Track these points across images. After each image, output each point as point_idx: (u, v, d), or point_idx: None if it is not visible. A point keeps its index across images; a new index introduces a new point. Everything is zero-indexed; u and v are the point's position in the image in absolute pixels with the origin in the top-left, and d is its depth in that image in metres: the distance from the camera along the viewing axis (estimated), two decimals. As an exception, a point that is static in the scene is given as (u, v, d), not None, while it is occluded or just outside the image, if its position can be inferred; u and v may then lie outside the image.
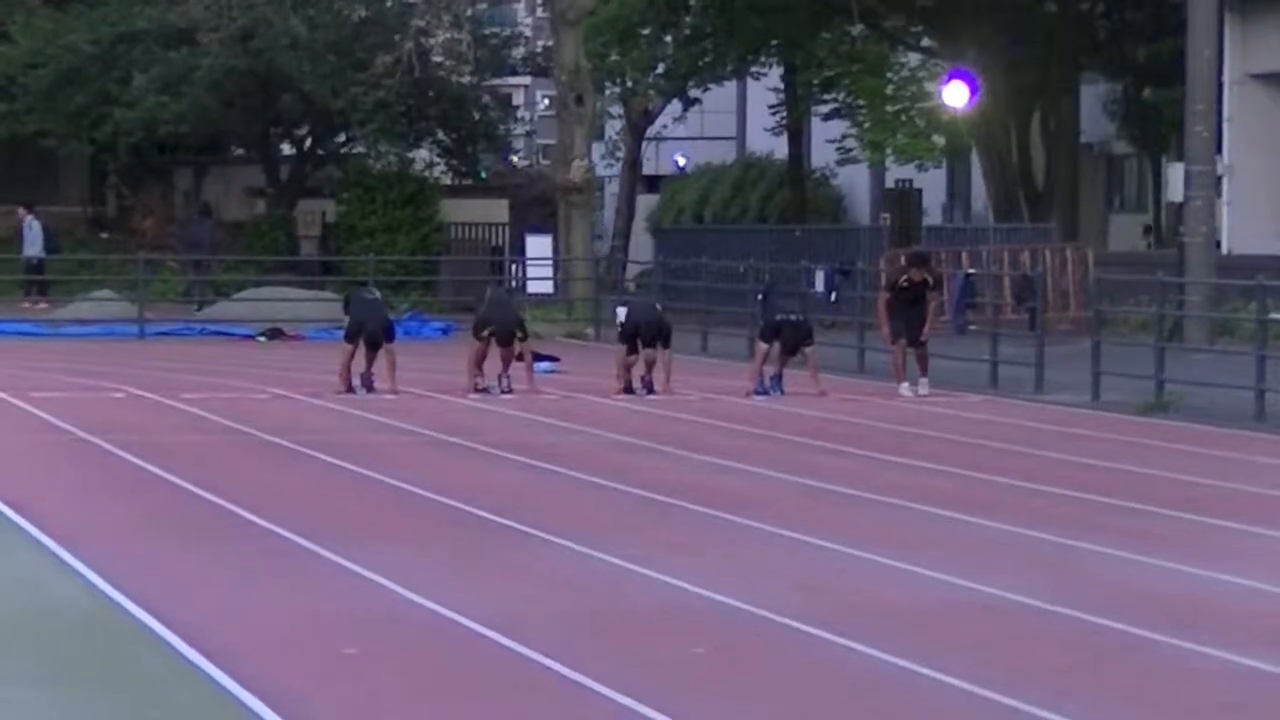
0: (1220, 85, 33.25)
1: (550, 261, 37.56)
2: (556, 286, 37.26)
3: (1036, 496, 13.44)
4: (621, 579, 9.04)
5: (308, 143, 45.17)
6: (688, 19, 43.46)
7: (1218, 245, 32.92)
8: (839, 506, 13.19)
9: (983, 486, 14.27)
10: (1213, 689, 6.67)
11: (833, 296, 33.42)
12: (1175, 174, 32.59)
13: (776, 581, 9.32)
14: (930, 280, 21.14)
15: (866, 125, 43.31)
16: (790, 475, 15.02)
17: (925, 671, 5.98)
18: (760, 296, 27.26)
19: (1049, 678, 6.27)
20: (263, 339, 32.20)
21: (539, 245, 37.86)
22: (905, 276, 20.63)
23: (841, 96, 44.10)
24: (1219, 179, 33.08)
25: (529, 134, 61.99)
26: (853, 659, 6.71)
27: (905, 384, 19.62)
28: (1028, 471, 14.94)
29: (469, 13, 43.11)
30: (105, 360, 27.58)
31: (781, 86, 47.50)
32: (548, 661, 6.80)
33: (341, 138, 44.90)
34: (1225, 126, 34.19)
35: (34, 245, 36.58)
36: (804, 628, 7.50)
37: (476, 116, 44.52)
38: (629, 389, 19.65)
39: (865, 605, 8.73)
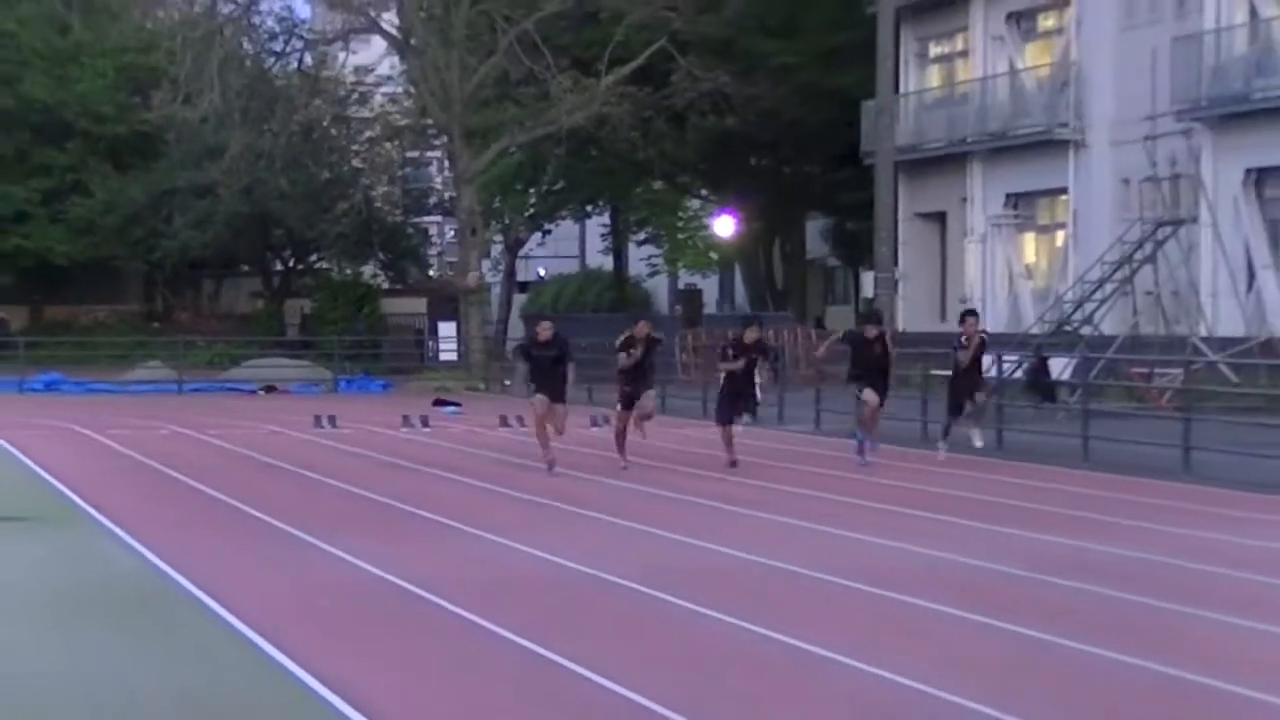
0: (896, 220, 40.61)
1: (455, 339, 46.18)
2: (459, 356, 45.13)
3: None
4: (503, 553, 11.65)
5: (291, 261, 55.82)
6: (546, 178, 52.57)
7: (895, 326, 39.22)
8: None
9: (730, 486, 17.42)
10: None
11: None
12: (868, 279, 41.77)
13: (571, 549, 11.74)
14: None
15: (666, 247, 61.06)
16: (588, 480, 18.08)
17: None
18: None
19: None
20: (262, 393, 38.56)
21: (447, 328, 47.22)
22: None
23: (649, 228, 60.52)
24: (896, 282, 40.54)
25: (440, 254, 69.75)
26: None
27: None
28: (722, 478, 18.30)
29: (399, 174, 55.69)
30: (155, 409, 31.70)
31: (609, 222, 60.70)
32: (452, 607, 9.43)
33: (314, 257, 55.73)
34: (900, 248, 42.32)
35: None
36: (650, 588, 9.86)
37: (405, 243, 56.57)
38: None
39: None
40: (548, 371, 18.09)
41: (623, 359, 18.54)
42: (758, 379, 19.69)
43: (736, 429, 19.37)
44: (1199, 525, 13.67)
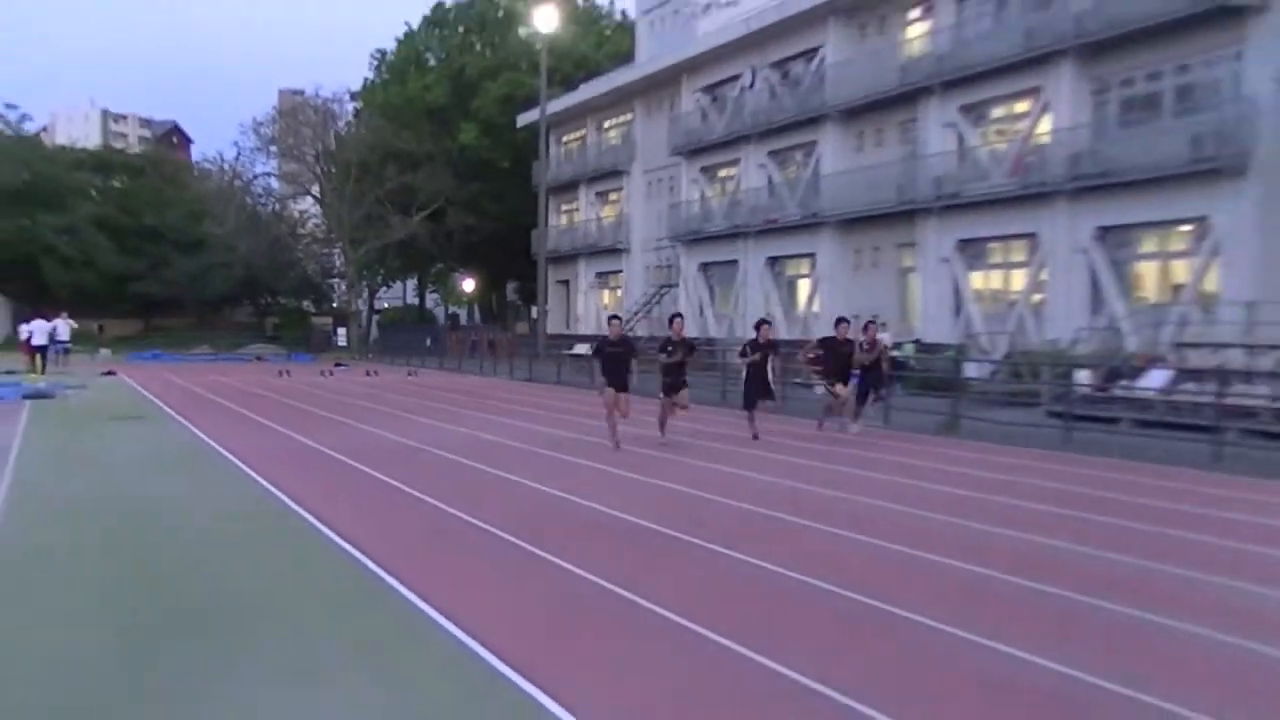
0: (547, 284, 57.03)
1: (346, 336, 68.06)
2: (348, 344, 66.36)
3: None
4: (358, 433, 17.37)
5: (268, 298, 79.74)
6: (387, 261, 74.74)
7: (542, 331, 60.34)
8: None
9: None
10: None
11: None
12: (534, 310, 54.15)
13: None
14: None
15: (443, 292, 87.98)
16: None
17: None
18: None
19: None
20: (255, 360, 54.72)
21: (342, 331, 69.57)
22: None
23: (434, 284, 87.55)
24: (546, 311, 55.97)
25: (338, 296, 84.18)
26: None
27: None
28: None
29: (319, 257, 79.28)
30: (205, 369, 47.17)
31: (418, 282, 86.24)
32: (357, 464, 14.00)
33: (278, 297, 79.67)
34: (551, 295, 64.81)
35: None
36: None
37: (322, 290, 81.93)
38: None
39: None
40: (616, 365, 18.66)
41: (663, 357, 19.66)
42: (769, 371, 20.86)
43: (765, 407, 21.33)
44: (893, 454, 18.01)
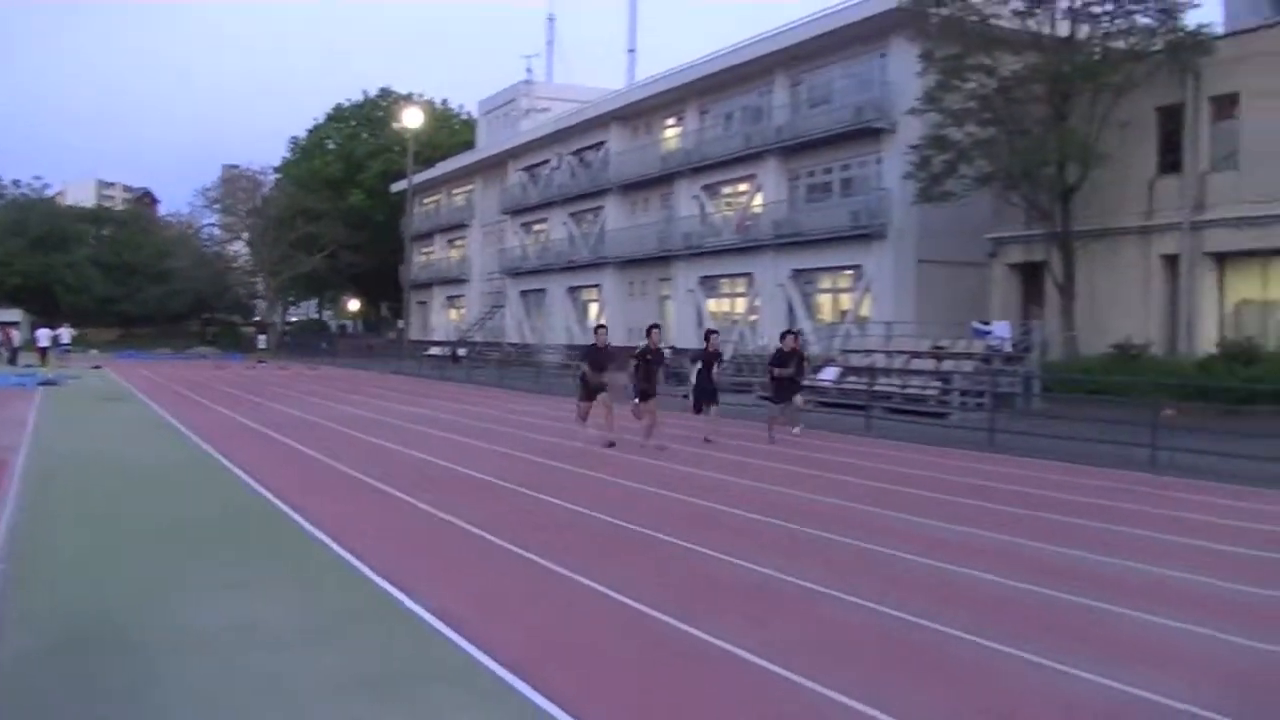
0: (410, 303, 59.74)
1: (266, 340, 59.71)
2: (267, 346, 58.64)
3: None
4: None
5: (209, 314, 78.20)
6: (297, 288, 73.94)
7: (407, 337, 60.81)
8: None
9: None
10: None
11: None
12: (401, 324, 59.45)
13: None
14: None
15: (334, 310, 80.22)
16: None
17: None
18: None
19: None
20: (200, 359, 53.84)
21: (263, 337, 59.80)
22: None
23: (328, 304, 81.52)
24: (409, 324, 59.61)
25: (260, 312, 79.28)
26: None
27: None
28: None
29: (247, 284, 76.38)
30: (163, 365, 44.66)
31: (318, 302, 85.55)
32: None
33: (216, 313, 78.54)
34: (412, 312, 65.44)
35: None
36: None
37: (250, 308, 79.04)
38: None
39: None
40: (650, 373, 14.99)
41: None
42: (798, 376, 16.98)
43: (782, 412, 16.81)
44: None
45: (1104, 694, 4.73)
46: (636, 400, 15.39)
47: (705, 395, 16.62)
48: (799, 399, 17.57)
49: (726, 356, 32.72)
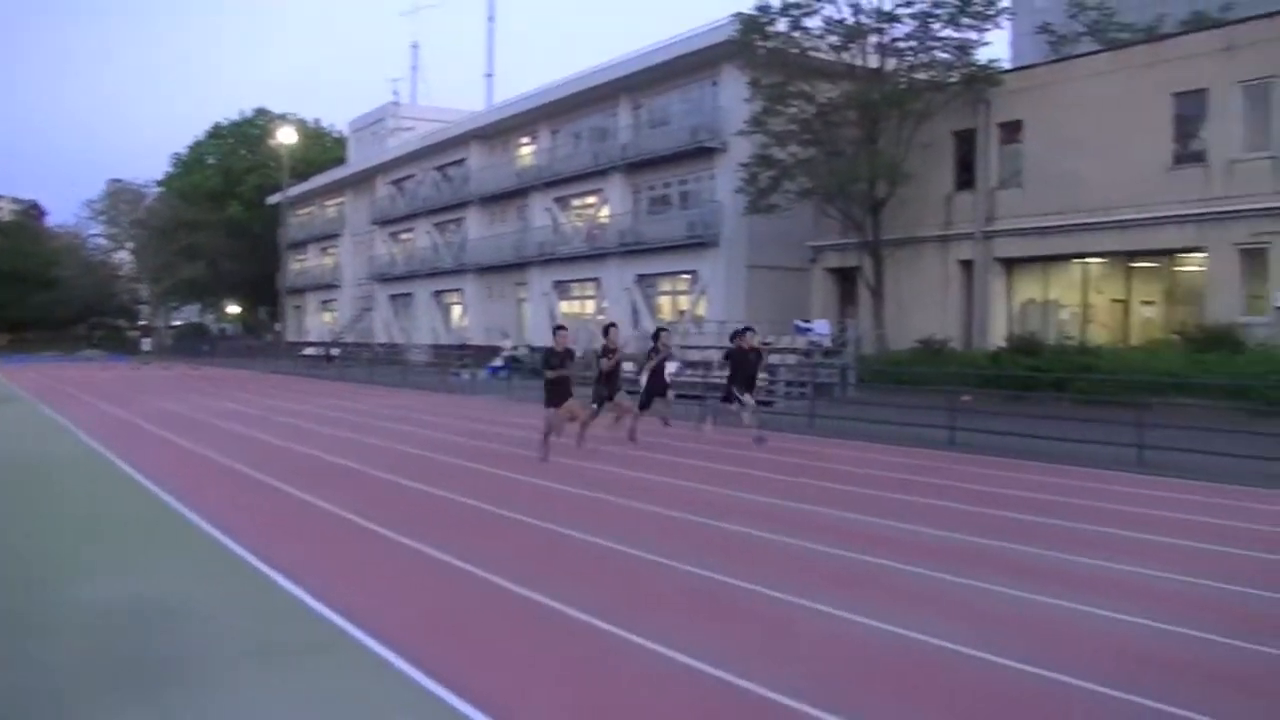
0: (285, 308, 53.74)
1: (151, 344, 56.70)
2: (152, 349, 54.97)
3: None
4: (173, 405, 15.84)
5: (95, 318, 71.56)
6: (180, 293, 64.47)
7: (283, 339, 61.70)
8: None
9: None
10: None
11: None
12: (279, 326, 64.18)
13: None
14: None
15: (219, 315, 72.68)
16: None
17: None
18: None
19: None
20: (88, 360, 48.88)
21: (147, 340, 57.53)
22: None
23: (213, 311, 73.81)
24: (285, 326, 63.17)
25: (144, 317, 73.60)
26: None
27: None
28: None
29: (131, 291, 69.49)
30: (63, 369, 39.13)
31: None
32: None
33: (103, 319, 72.20)
34: (289, 316, 59.26)
35: None
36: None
37: (135, 314, 72.36)
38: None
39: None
40: (612, 374, 12.55)
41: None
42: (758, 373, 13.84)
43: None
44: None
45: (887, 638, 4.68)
46: (595, 405, 12.98)
47: (657, 392, 14.06)
48: (669, 397, 14.94)
49: (578, 355, 30.60)
